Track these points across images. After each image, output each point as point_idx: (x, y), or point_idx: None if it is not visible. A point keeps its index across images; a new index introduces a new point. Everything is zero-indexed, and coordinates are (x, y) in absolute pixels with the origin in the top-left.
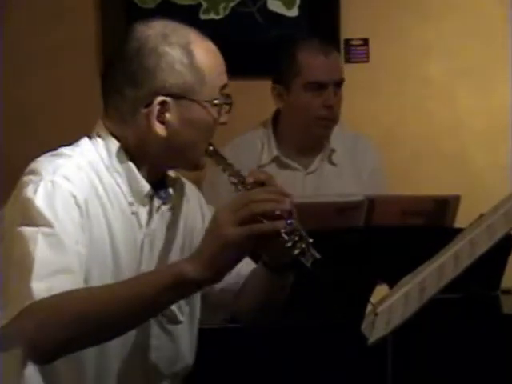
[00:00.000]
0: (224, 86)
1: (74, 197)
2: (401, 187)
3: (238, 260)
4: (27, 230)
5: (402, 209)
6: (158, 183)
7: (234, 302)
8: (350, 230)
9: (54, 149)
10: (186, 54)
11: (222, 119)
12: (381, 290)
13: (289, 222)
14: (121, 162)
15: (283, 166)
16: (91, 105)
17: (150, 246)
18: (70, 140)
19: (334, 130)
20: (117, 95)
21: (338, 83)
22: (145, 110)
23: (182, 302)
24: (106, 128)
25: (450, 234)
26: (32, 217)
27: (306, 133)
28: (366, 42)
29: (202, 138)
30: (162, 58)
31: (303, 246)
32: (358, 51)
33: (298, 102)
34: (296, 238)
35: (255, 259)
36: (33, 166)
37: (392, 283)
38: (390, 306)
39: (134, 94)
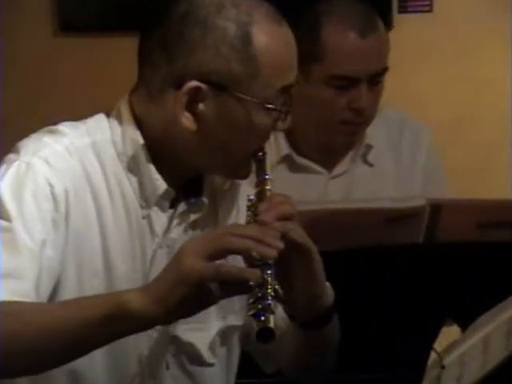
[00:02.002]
0: (287, 88)
1: (51, 186)
2: (475, 187)
3: (197, 303)
4: None
5: (479, 218)
6: (193, 187)
7: (277, 352)
8: (406, 247)
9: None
10: (241, 35)
11: (280, 125)
12: (449, 332)
13: (269, 272)
14: (136, 150)
15: (297, 168)
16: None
17: (167, 261)
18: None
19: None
20: (149, 64)
21: (378, 75)
22: (174, 93)
23: (216, 340)
24: (131, 106)
25: None
26: None
27: (324, 137)
28: None
29: (245, 143)
30: (209, 34)
31: (259, 306)
32: None
33: (317, 97)
34: (259, 294)
35: None
36: (21, 142)
37: (465, 323)
38: (462, 356)
39: (167, 67)
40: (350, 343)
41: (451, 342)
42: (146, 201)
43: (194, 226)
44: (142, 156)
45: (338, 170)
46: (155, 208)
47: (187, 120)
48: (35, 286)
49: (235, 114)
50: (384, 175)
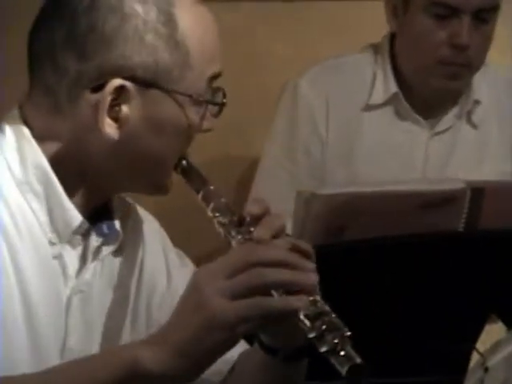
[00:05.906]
0: (214, 77)
1: None
2: None
3: (226, 349)
4: None
5: None
6: (99, 213)
7: None
8: (443, 235)
9: None
10: (165, 20)
11: (207, 125)
12: (493, 331)
13: (311, 299)
14: (41, 176)
15: (402, 114)
16: None
17: (83, 309)
18: None
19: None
20: (49, 67)
21: (486, 10)
22: (91, 97)
23: None
24: (25, 122)
25: None
26: None
27: (422, 80)
28: None
29: (173, 149)
30: (127, 22)
31: (335, 341)
32: None
33: (416, 28)
34: (323, 327)
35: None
36: None
37: (511, 320)
38: (508, 358)
39: (78, 68)
40: (377, 346)
41: (495, 341)
42: (58, 237)
43: (109, 264)
44: (51, 184)
45: (441, 125)
46: (66, 245)
47: (110, 127)
48: None
49: (165, 113)
50: (488, 141)
